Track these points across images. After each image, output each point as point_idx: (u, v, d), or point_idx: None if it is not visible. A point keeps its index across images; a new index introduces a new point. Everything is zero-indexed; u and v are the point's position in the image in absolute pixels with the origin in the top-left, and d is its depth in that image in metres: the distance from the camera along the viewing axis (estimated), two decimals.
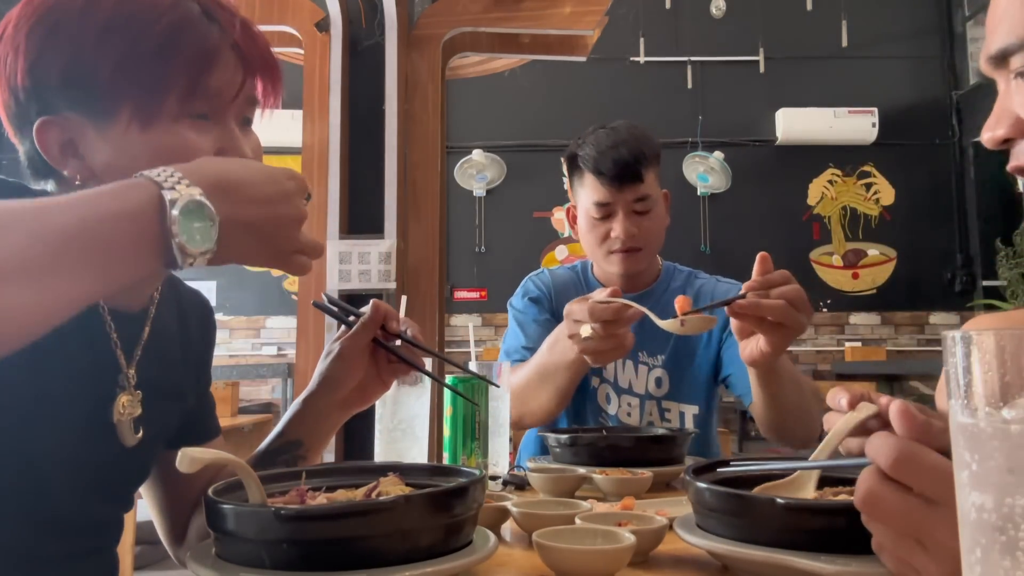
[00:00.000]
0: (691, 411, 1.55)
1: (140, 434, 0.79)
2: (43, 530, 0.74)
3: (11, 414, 0.69)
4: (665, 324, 1.08)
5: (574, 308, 1.21)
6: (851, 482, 0.78)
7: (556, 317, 1.59)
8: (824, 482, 0.80)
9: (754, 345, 1.13)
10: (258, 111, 0.83)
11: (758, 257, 1.10)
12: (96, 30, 0.70)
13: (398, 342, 0.95)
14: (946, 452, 0.40)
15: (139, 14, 0.72)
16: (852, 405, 0.72)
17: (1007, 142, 0.73)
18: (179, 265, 0.60)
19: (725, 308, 1.09)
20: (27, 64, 0.70)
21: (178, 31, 0.73)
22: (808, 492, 0.76)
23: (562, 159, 1.62)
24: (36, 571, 0.74)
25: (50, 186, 0.78)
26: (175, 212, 0.58)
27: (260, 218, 0.65)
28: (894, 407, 0.48)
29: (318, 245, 0.73)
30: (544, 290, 1.64)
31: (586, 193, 1.54)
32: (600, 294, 1.17)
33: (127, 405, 0.78)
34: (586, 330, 1.16)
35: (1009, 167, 0.74)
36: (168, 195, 0.59)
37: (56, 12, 0.71)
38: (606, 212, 1.51)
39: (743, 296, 1.07)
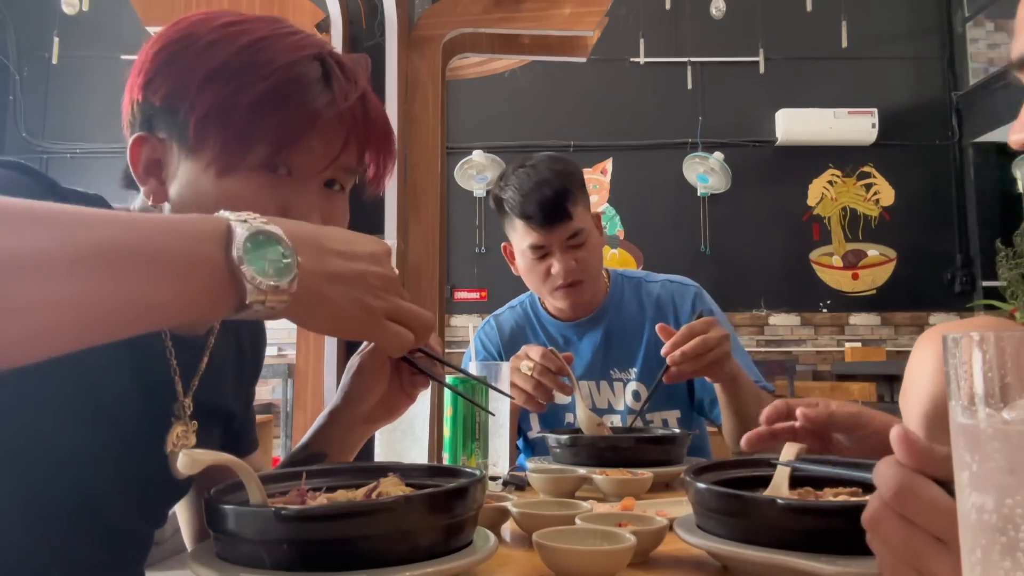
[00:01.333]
0: (673, 415, 1.56)
1: None
2: (88, 537, 0.74)
3: (66, 421, 0.69)
4: (581, 410, 1.35)
5: (530, 348, 1.38)
6: (851, 483, 0.78)
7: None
8: (824, 483, 0.80)
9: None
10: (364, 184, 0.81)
11: (657, 329, 1.32)
12: (207, 71, 0.71)
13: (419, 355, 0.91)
14: (950, 480, 0.39)
15: (252, 66, 0.71)
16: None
17: None
18: (247, 300, 0.55)
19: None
20: (143, 81, 0.73)
21: (284, 90, 0.71)
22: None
23: (490, 200, 1.62)
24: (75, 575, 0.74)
25: (137, 202, 0.79)
26: (242, 236, 0.55)
27: (345, 272, 0.61)
28: (893, 433, 0.46)
29: (423, 316, 0.68)
30: (492, 347, 1.66)
31: (519, 236, 1.54)
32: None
33: (181, 436, 0.77)
34: (526, 367, 1.34)
35: None
36: (237, 225, 0.56)
37: (182, 42, 0.73)
38: (542, 253, 1.52)
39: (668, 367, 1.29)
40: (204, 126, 0.70)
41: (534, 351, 1.36)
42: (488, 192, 5.74)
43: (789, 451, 0.82)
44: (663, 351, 1.28)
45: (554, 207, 1.47)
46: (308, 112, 0.72)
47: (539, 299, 1.68)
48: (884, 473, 0.46)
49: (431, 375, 0.89)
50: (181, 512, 0.97)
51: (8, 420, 0.66)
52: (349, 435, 0.93)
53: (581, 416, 1.34)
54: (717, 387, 1.39)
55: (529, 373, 1.34)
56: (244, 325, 0.94)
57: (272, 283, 0.56)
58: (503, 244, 1.64)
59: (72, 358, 0.54)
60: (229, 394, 0.90)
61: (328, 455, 0.93)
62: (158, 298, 0.52)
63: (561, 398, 1.52)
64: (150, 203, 0.74)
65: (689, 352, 1.25)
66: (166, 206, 0.74)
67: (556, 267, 1.50)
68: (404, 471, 0.78)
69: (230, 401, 0.90)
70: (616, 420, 1.55)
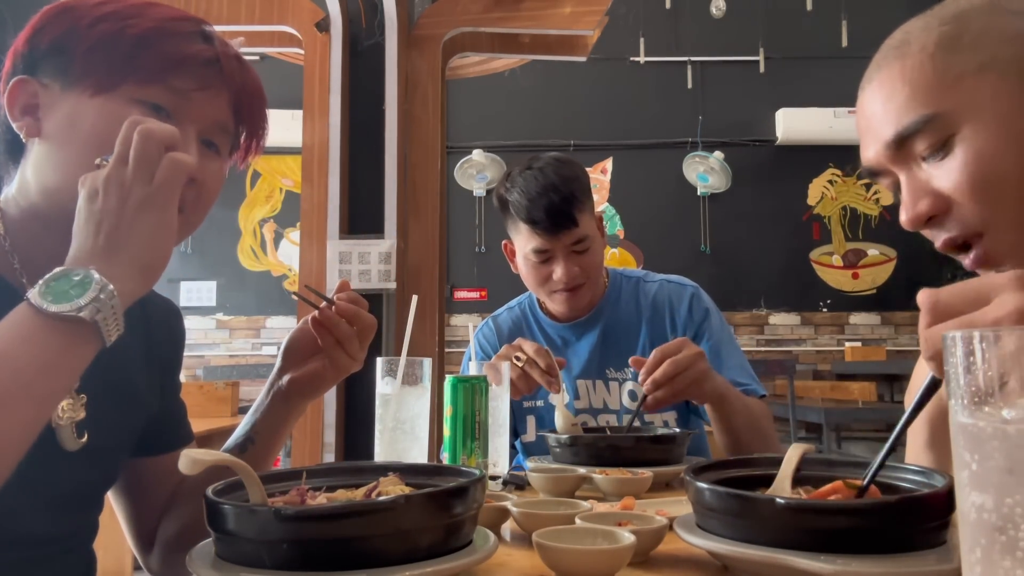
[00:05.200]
0: (671, 416, 1.56)
1: (85, 439, 0.78)
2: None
3: None
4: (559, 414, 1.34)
5: (524, 342, 1.38)
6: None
7: None
8: (824, 482, 0.80)
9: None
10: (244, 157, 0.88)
11: (631, 361, 1.33)
12: (98, 15, 0.77)
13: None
14: None
15: (141, 15, 0.78)
16: None
17: (930, 220, 0.74)
18: (94, 320, 0.63)
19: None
20: (30, 32, 0.79)
21: (167, 31, 0.79)
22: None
23: (494, 198, 1.61)
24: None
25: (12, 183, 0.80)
26: (35, 293, 0.63)
27: (118, 223, 0.67)
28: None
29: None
30: (491, 348, 1.65)
31: (522, 240, 1.53)
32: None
33: (67, 409, 0.77)
34: (518, 358, 1.35)
35: (939, 245, 0.75)
36: (29, 294, 0.64)
37: (72, 2, 0.80)
38: (545, 257, 1.51)
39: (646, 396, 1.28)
40: (90, 55, 0.76)
41: (528, 346, 1.37)
42: (491, 191, 5.75)
43: (795, 452, 0.82)
44: (639, 380, 1.27)
45: (560, 214, 1.46)
46: (185, 51, 0.79)
47: (537, 300, 1.68)
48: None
49: (307, 301, 0.95)
50: (120, 521, 0.97)
51: None
52: (276, 407, 0.95)
53: (558, 418, 1.34)
54: (706, 406, 1.39)
55: (519, 365, 1.34)
56: (157, 313, 0.96)
57: (88, 297, 0.63)
58: (503, 242, 1.63)
59: None
60: (136, 374, 0.89)
61: (256, 426, 0.95)
62: (46, 403, 0.63)
63: (556, 398, 1.52)
64: (23, 137, 0.77)
65: (660, 379, 1.24)
66: (35, 141, 0.77)
67: (558, 272, 1.50)
68: (404, 471, 0.78)
69: (138, 382, 0.90)
70: (612, 420, 1.54)
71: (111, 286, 0.64)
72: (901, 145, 0.74)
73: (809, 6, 5.60)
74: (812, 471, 0.81)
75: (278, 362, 0.97)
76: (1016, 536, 0.35)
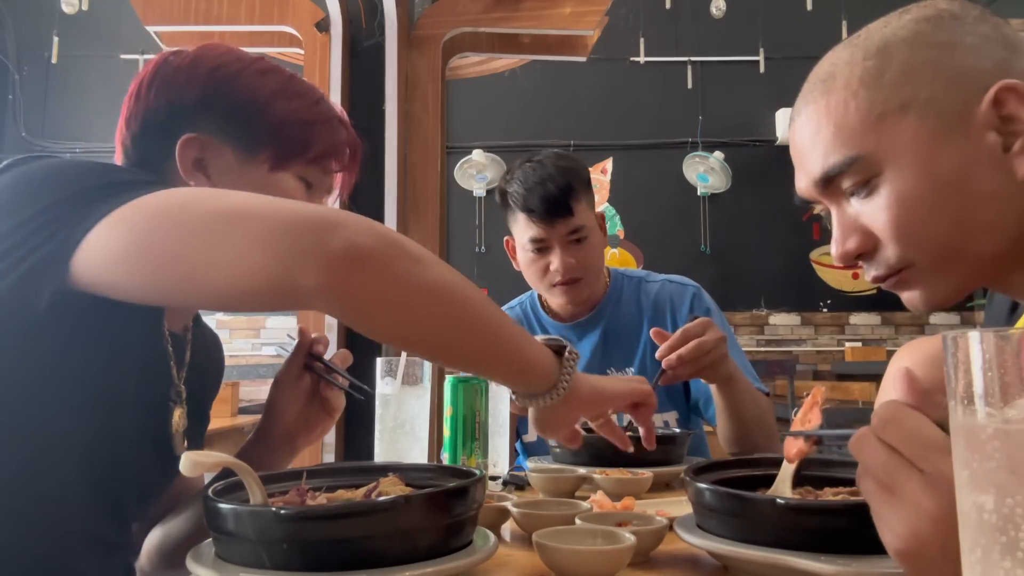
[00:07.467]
0: (672, 416, 1.56)
1: (185, 446, 0.86)
2: (108, 517, 0.77)
3: (84, 404, 0.72)
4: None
5: None
6: (851, 482, 0.78)
7: None
8: (824, 482, 0.80)
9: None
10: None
11: (652, 334, 1.31)
12: (271, 91, 0.88)
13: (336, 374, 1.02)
14: (943, 425, 0.42)
15: (300, 95, 0.90)
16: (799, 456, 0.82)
17: (860, 256, 0.75)
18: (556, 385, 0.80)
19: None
20: (199, 91, 0.85)
21: (324, 116, 0.92)
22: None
23: (496, 193, 1.63)
24: (106, 555, 0.78)
25: None
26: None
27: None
28: (897, 372, 0.51)
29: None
30: None
31: (520, 230, 1.54)
32: None
33: (180, 417, 0.85)
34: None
35: (869, 278, 0.76)
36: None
37: (235, 66, 0.88)
38: (542, 246, 1.52)
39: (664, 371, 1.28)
40: (273, 133, 0.87)
41: None
42: (491, 191, 5.75)
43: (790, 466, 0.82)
44: (658, 354, 1.27)
45: (556, 202, 1.47)
46: (340, 141, 0.93)
47: (539, 299, 1.68)
48: (880, 405, 0.50)
49: (326, 378, 1.00)
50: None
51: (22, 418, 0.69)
52: (271, 453, 0.99)
53: None
54: (713, 388, 1.38)
55: None
56: (210, 343, 1.02)
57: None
58: (505, 239, 1.64)
59: (83, 353, 0.66)
60: (208, 392, 0.98)
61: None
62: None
63: None
64: None
65: (685, 356, 1.24)
66: None
67: (555, 263, 1.51)
68: (404, 471, 0.78)
69: (208, 399, 0.98)
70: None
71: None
72: (828, 183, 0.75)
73: (809, 6, 5.59)
74: (812, 471, 0.81)
75: (269, 402, 1.00)
76: (1016, 536, 0.35)
